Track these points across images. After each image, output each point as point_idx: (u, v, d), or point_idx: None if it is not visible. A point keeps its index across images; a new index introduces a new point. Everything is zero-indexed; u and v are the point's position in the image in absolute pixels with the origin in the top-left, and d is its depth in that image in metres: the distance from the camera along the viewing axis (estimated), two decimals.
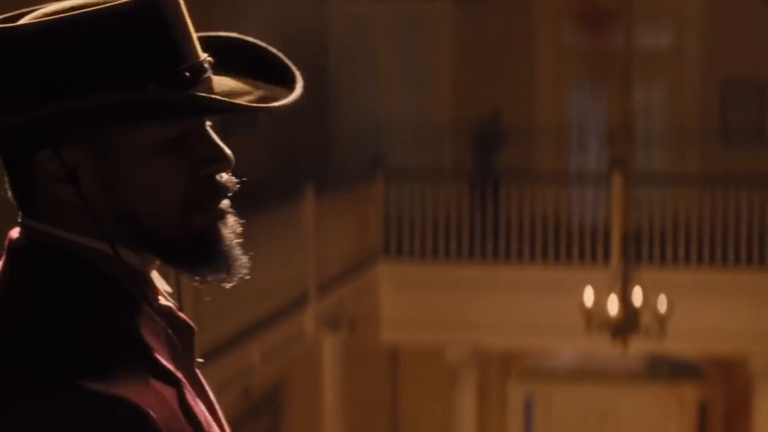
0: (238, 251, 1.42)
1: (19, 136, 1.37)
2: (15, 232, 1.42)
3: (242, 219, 1.43)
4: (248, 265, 1.42)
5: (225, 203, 1.42)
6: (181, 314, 1.46)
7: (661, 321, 9.63)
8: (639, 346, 12.62)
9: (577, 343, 12.63)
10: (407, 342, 13.36)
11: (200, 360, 1.48)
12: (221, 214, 1.42)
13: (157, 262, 1.45)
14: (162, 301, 1.45)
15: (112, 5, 1.35)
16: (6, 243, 1.42)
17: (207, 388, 1.49)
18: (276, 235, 10.32)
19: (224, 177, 1.41)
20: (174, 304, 1.47)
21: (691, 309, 12.26)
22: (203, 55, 1.40)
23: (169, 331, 1.42)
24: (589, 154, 14.49)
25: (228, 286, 1.43)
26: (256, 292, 9.38)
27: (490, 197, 13.04)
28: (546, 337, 12.69)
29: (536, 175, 13.57)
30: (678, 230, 12.70)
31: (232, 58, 1.47)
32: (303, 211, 11.07)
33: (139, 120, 1.37)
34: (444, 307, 12.60)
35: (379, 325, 12.96)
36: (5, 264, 1.41)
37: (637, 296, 9.91)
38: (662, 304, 9.64)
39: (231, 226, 1.43)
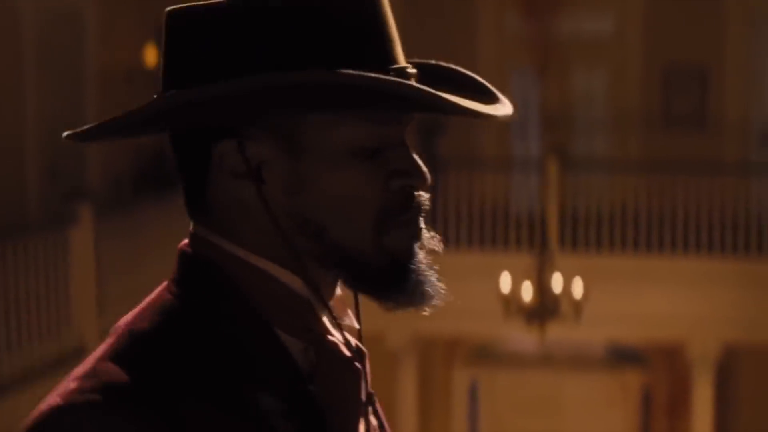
0: (433, 275, 1.31)
1: (214, 112, 1.23)
2: (185, 241, 1.34)
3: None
4: (444, 292, 1.31)
5: (420, 222, 1.31)
6: (346, 352, 1.33)
7: (577, 307, 9.60)
8: (575, 332, 12.65)
9: (519, 329, 12.62)
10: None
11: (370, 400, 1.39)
12: (416, 234, 1.30)
13: (337, 289, 1.35)
14: (333, 336, 1.32)
15: None
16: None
17: None
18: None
19: (420, 195, 1.31)
20: (343, 338, 1.35)
21: (632, 295, 12.28)
22: (407, 64, 1.31)
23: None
24: (531, 140, 14.48)
25: (424, 313, 1.31)
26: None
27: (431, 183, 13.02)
28: (486, 322, 12.67)
29: (478, 162, 13.57)
30: (615, 216, 12.69)
31: (432, 77, 1.36)
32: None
33: (355, 106, 1.24)
34: None
35: None
36: (174, 270, 1.33)
37: (557, 282, 9.90)
38: (578, 289, 9.61)
39: (425, 247, 1.32)
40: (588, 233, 12.67)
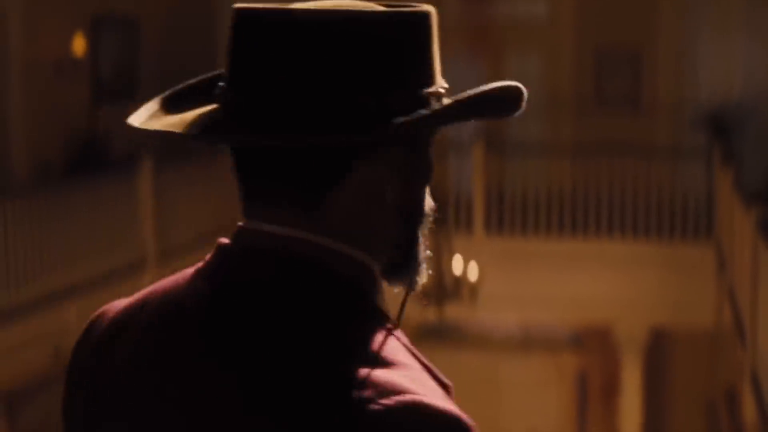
0: (426, 264, 1.44)
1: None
2: (261, 241, 1.34)
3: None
4: (427, 276, 1.45)
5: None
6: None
7: (472, 289, 9.73)
8: (507, 314, 12.75)
9: (450, 310, 12.73)
10: None
11: None
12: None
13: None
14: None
15: (397, 11, 1.33)
16: (246, 248, 1.35)
17: None
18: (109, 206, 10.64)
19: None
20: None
21: (561, 278, 12.36)
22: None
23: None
24: (467, 124, 14.51)
25: (410, 294, 1.43)
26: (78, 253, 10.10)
27: None
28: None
29: None
30: (540, 199, 12.74)
31: None
32: (140, 185, 11.35)
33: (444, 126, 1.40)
34: None
35: None
36: (273, 277, 1.32)
37: (457, 264, 10.03)
38: (473, 272, 9.75)
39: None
40: (514, 217, 12.75)
